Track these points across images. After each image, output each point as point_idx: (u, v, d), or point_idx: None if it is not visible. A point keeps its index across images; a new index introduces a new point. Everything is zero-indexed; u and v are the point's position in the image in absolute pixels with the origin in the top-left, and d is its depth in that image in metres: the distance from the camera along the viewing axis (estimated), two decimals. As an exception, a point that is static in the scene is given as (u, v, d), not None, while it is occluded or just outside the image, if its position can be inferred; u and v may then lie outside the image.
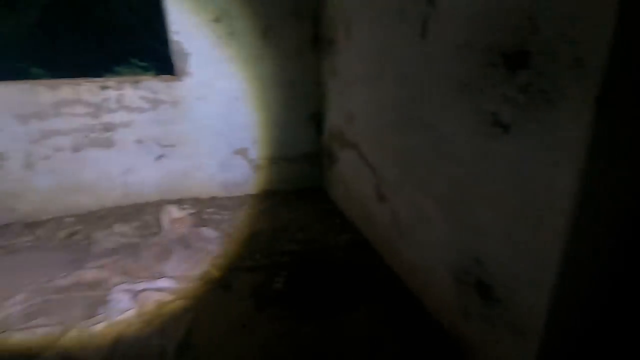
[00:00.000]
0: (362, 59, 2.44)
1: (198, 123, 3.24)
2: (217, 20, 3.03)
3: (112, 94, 2.95)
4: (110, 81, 2.94)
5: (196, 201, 3.32)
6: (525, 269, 1.26)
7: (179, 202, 3.27)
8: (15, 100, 2.75)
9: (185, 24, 2.96)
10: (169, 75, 3.08)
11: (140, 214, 3.08)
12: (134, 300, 2.02)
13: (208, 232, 2.80)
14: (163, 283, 2.18)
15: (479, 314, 1.54)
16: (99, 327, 1.81)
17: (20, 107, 2.76)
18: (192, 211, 3.12)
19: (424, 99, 1.78)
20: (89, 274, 2.28)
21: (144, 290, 2.10)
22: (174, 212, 3.03)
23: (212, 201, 3.35)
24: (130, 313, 1.91)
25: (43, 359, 1.63)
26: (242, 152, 3.46)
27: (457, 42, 1.49)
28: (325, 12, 3.03)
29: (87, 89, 2.89)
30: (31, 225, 2.92)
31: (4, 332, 1.81)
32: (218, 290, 2.15)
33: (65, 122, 2.90)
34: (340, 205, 3.22)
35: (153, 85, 3.04)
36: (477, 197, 1.46)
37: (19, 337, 1.77)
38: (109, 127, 3.01)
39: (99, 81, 2.93)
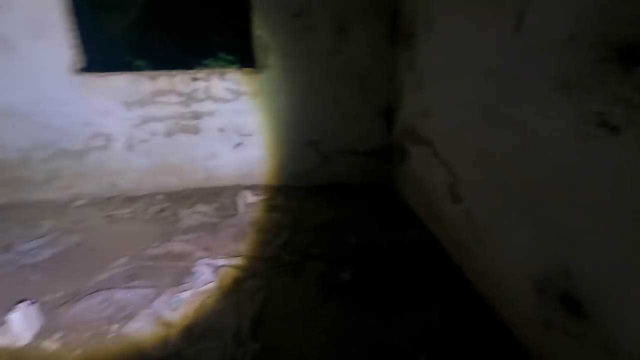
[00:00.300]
0: (444, 52, 2.36)
1: (274, 114, 3.40)
2: (297, 15, 3.13)
3: (201, 85, 3.22)
4: (201, 73, 3.21)
5: (268, 188, 3.51)
6: (624, 287, 1.15)
7: (253, 187, 3.47)
8: (123, 89, 3.13)
9: (268, 20, 3.11)
10: (251, 68, 3.27)
11: (219, 196, 3.34)
12: (214, 274, 2.22)
13: (278, 218, 2.95)
14: (239, 261, 2.35)
15: (561, 327, 1.44)
16: (186, 294, 2.03)
17: (126, 95, 3.15)
18: (265, 197, 3.30)
19: (514, 96, 1.68)
20: (177, 246, 2.55)
21: (223, 266, 2.29)
22: (249, 196, 3.23)
23: (283, 189, 3.51)
24: (212, 285, 2.11)
25: (138, 319, 1.88)
26: (312, 144, 3.56)
27: (559, 36, 1.38)
28: (406, 5, 2.97)
29: (180, 80, 3.19)
30: (129, 199, 3.33)
31: (110, 289, 2.11)
32: (288, 274, 2.26)
33: (160, 110, 3.23)
34: (409, 202, 3.17)
35: (236, 77, 3.25)
36: (572, 204, 1.35)
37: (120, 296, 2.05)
38: (196, 116, 3.29)
39: (191, 73, 3.21)
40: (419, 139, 2.86)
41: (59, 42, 2.93)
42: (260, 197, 3.28)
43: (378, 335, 1.78)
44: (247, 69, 3.29)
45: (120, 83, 3.12)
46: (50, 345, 1.74)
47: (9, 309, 1.82)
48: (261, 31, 3.14)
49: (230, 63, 3.29)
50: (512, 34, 1.66)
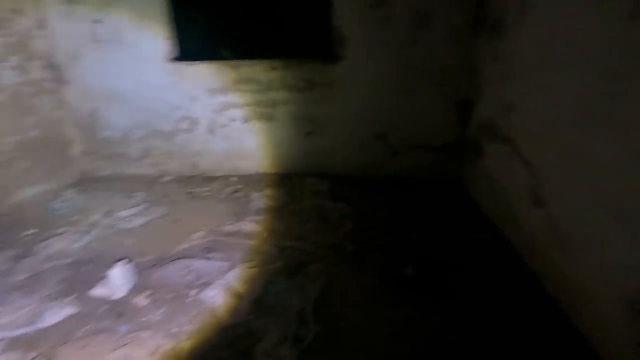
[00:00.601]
0: (538, 43, 2.17)
1: (346, 105, 3.42)
2: (376, 5, 3.09)
3: (278, 74, 3.35)
4: (278, 63, 3.34)
5: (335, 177, 3.56)
6: None
7: (320, 176, 3.55)
8: (208, 76, 3.39)
9: (347, 10, 3.12)
10: (326, 59, 3.31)
11: (288, 182, 3.48)
12: (280, 255, 2.33)
13: (343, 207, 2.99)
14: (304, 245, 2.45)
15: (661, 356, 1.27)
16: (255, 270, 2.17)
17: (211, 82, 3.40)
18: (330, 186, 3.36)
19: (625, 94, 1.49)
20: (248, 225, 2.73)
21: (289, 247, 2.40)
22: (316, 184, 3.32)
23: (349, 180, 3.53)
24: (278, 265, 2.22)
25: (213, 287, 2.05)
26: (382, 136, 3.52)
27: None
28: (495, -9, 2.77)
29: (259, 70, 3.36)
30: (208, 179, 3.62)
31: (190, 257, 2.34)
32: (350, 263, 2.30)
33: (240, 97, 3.44)
34: (480, 201, 3.00)
35: (312, 67, 3.33)
36: (687, 217, 1.18)
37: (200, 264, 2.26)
38: (272, 104, 3.45)
39: (269, 63, 3.36)
40: (497, 136, 2.68)
41: (157, 35, 3.26)
42: (327, 186, 3.35)
43: (439, 335, 1.73)
44: (323, 60, 3.34)
45: (206, 71, 3.38)
46: (141, 300, 1.98)
47: (109, 265, 2.12)
48: (340, 22, 3.17)
49: (306, 54, 3.37)
50: (627, 24, 1.46)
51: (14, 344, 1.70)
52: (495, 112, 2.74)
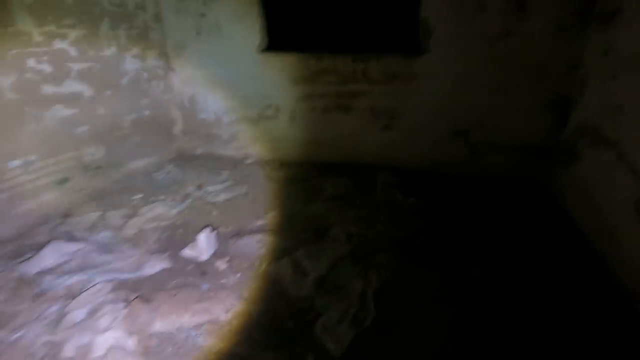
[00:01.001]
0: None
1: (426, 99, 3.34)
2: (470, -7, 2.94)
3: (359, 66, 3.40)
4: (360, 55, 3.38)
5: (409, 172, 3.51)
6: None
7: (394, 169, 3.53)
8: (295, 67, 3.57)
9: (437, 1, 3.02)
10: (409, 52, 3.26)
11: (361, 173, 3.53)
12: (348, 241, 2.41)
13: (414, 203, 2.95)
14: (372, 235, 2.49)
15: None
16: (322, 251, 2.28)
17: (296, 73, 3.58)
18: (404, 181, 3.32)
19: None
20: (318, 210, 2.85)
21: (356, 235, 2.47)
22: (388, 178, 3.32)
23: (424, 176, 3.46)
24: (345, 249, 2.31)
25: (283, 263, 2.21)
26: (463, 133, 3.36)
27: None
28: (614, -25, 2.44)
29: (341, 62, 3.44)
30: (285, 164, 3.84)
31: (264, 232, 2.54)
32: (416, 259, 2.28)
33: (321, 88, 3.57)
34: (571, 211, 2.72)
35: (394, 60, 3.31)
36: None
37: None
38: (351, 95, 3.51)
39: (351, 55, 3.41)
40: (600, 140, 2.39)
41: (250, 27, 3.53)
42: (400, 180, 3.32)
43: (507, 349, 1.65)
44: (405, 53, 3.29)
45: (292, 62, 3.57)
46: (221, 264, 2.23)
47: (197, 231, 2.41)
48: (427, 12, 3.09)
49: (390, 46, 3.35)
50: None
51: (122, 285, 2.05)
52: (600, 113, 2.44)
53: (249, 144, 4.01)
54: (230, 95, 3.84)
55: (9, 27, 2.46)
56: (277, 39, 3.64)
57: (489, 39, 3.02)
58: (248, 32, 3.56)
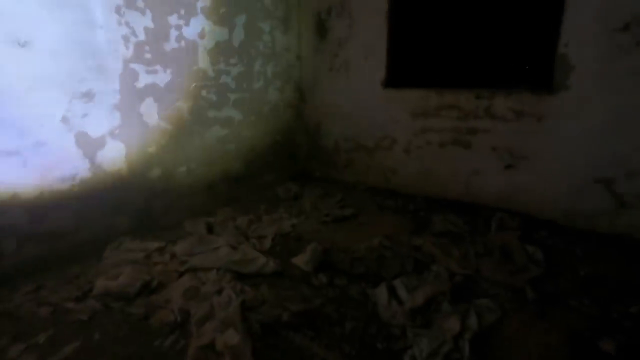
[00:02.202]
0: None
1: (561, 141, 3.03)
2: (623, 28, 2.63)
3: (483, 103, 3.31)
4: (485, 91, 3.30)
5: (530, 218, 3.19)
6: None
7: (513, 213, 3.26)
8: (413, 101, 3.69)
9: (581, 33, 2.78)
10: (542, 89, 3.04)
11: (475, 212, 3.36)
12: (449, 279, 2.34)
13: (533, 251, 2.66)
14: (477, 278, 2.36)
15: None
16: (423, 284, 2.26)
17: (414, 107, 3.69)
18: (523, 226, 3.04)
19: None
20: (425, 243, 2.83)
21: (460, 274, 2.38)
22: (505, 220, 3.08)
23: (548, 225, 3.10)
24: (444, 287, 2.24)
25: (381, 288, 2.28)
26: (606, 181, 2.91)
27: None
28: None
29: (464, 97, 3.41)
30: (396, 194, 3.91)
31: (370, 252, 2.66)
32: (528, 312, 2.07)
33: (440, 122, 3.58)
34: None
35: (523, 97, 3.12)
36: None
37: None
38: (472, 131, 3.43)
39: (475, 90, 3.35)
40: None
41: (378, 63, 3.81)
42: (518, 225, 3.05)
43: None
44: (536, 90, 3.08)
45: (412, 96, 3.70)
46: (322, 277, 2.42)
47: (307, 244, 2.66)
48: (567, 48, 2.86)
49: (520, 82, 3.19)
50: None
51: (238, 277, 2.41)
52: None
53: (363, 171, 4.23)
54: (350, 125, 4.16)
55: (194, 67, 3.25)
56: (401, 74, 3.83)
57: (649, 77, 2.61)
58: (374, 69, 3.85)
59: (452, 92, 3.48)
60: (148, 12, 2.86)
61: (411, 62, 4.03)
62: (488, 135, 3.36)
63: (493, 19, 3.67)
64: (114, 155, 2.82)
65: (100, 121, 2.70)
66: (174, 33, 3.06)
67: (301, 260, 2.58)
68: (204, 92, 3.36)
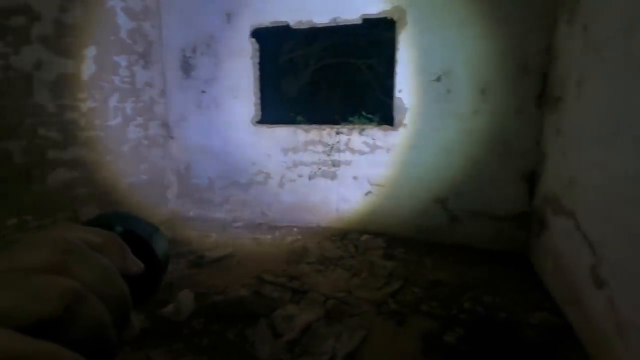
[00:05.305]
0: (593, 119, 2.16)
1: (405, 168, 3.59)
2: (437, 79, 3.35)
3: (343, 138, 3.72)
4: (344, 128, 3.72)
5: (390, 237, 3.62)
6: None
7: (376, 234, 3.66)
8: (284, 138, 3.89)
9: (409, 83, 3.43)
10: (387, 126, 3.60)
11: (344, 237, 3.65)
12: (324, 304, 2.45)
13: (394, 267, 3.03)
14: (348, 298, 2.54)
15: None
16: (297, 313, 2.31)
17: (285, 143, 3.90)
18: (385, 245, 3.43)
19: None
20: (300, 273, 2.92)
21: (333, 298, 2.51)
22: (370, 242, 3.43)
23: (404, 241, 3.57)
24: (319, 312, 2.34)
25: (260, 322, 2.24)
26: (442, 201, 3.55)
27: None
28: (557, 66, 2.83)
29: (327, 133, 3.76)
30: (272, 227, 3.97)
31: (242, 295, 2.59)
32: (391, 321, 2.31)
33: (308, 157, 3.85)
34: (544, 278, 2.79)
35: (374, 133, 3.63)
36: None
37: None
38: (335, 164, 3.78)
39: (336, 127, 3.75)
40: (560, 210, 2.56)
41: (247, 102, 3.93)
42: (381, 245, 3.43)
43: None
44: (385, 126, 3.63)
45: (282, 133, 3.90)
46: (197, 325, 2.25)
47: (178, 291, 2.46)
48: (401, 94, 3.47)
49: (369, 120, 3.71)
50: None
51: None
52: (558, 185, 2.65)
53: (239, 208, 4.18)
54: (223, 162, 4.12)
55: (27, 101, 2.79)
56: (271, 112, 4.02)
57: (460, 117, 3.35)
58: (244, 106, 3.95)
59: (317, 129, 3.81)
60: (-42, 35, 2.36)
61: (281, 100, 4.26)
62: (350, 167, 3.76)
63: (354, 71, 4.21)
64: None
65: None
66: (-3, 62, 2.58)
67: (171, 311, 2.35)
68: (42, 130, 2.88)
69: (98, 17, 3.30)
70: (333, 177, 3.83)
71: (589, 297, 2.06)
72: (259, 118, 3.99)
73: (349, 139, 3.71)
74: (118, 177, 3.60)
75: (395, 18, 3.38)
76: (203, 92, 4.04)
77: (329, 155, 3.79)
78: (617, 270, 1.79)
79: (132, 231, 0.32)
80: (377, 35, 4.68)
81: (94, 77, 3.29)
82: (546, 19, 2.97)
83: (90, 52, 3.24)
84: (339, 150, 3.76)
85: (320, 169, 3.85)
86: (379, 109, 3.66)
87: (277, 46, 4.79)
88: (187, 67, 4.07)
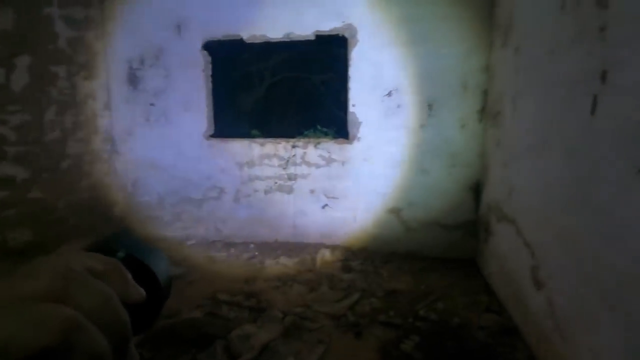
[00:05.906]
0: (527, 132, 2.36)
1: (361, 181, 3.66)
2: (388, 95, 3.49)
3: (299, 151, 3.73)
4: (299, 141, 3.73)
5: (347, 250, 3.66)
6: None
7: (334, 247, 3.67)
8: (239, 152, 3.82)
9: (362, 98, 3.53)
10: (342, 139, 3.67)
11: (302, 251, 3.62)
12: (282, 320, 2.40)
13: (352, 279, 3.05)
14: (307, 313, 2.50)
15: None
16: (255, 332, 2.23)
17: (240, 157, 3.82)
18: (343, 257, 3.45)
19: (594, 179, 1.60)
20: (257, 290, 2.84)
21: (292, 314, 2.47)
22: (328, 255, 3.43)
23: (362, 252, 3.62)
24: (278, 328, 2.28)
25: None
26: (396, 211, 3.66)
27: (634, 120, 1.35)
28: (493, 86, 3.07)
29: (282, 147, 3.75)
30: (228, 244, 3.85)
31: (196, 317, 2.46)
32: (350, 334, 2.31)
33: (264, 171, 3.81)
34: (491, 282, 2.95)
35: (329, 146, 3.68)
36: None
37: (205, 324, 2.37)
38: (292, 177, 3.77)
39: (292, 141, 3.76)
40: (503, 217, 2.74)
41: (199, 115, 3.82)
42: (339, 257, 3.45)
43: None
44: (340, 140, 3.70)
45: (237, 147, 3.83)
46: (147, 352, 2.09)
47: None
48: (355, 108, 3.57)
49: (324, 134, 3.77)
50: (588, 118, 1.64)
51: None
52: (500, 193, 2.84)
53: (192, 225, 4.01)
54: (174, 178, 3.94)
55: (-54, 113, 2.50)
56: (224, 125, 3.93)
57: (410, 130, 3.50)
58: (196, 120, 3.83)
59: (272, 142, 3.79)
60: None
61: (236, 114, 4.19)
62: (306, 180, 3.76)
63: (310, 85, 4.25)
64: None
65: None
66: None
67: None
68: (-37, 146, 2.59)
69: (32, 24, 3.06)
70: (289, 191, 3.81)
71: (530, 297, 2.20)
72: (212, 132, 3.89)
73: (304, 153, 3.73)
74: (55, 196, 3.31)
75: (347, 35, 3.49)
76: (152, 104, 3.87)
77: (285, 169, 3.77)
78: (554, 272, 1.94)
79: (135, 257, 0.33)
80: (331, 51, 4.82)
81: (28, 87, 3.03)
82: (484, 41, 3.23)
83: (23, 60, 2.99)
84: (295, 164, 3.76)
85: (276, 183, 3.81)
86: (334, 123, 3.73)
87: (232, 59, 4.74)
88: (134, 79, 3.89)
